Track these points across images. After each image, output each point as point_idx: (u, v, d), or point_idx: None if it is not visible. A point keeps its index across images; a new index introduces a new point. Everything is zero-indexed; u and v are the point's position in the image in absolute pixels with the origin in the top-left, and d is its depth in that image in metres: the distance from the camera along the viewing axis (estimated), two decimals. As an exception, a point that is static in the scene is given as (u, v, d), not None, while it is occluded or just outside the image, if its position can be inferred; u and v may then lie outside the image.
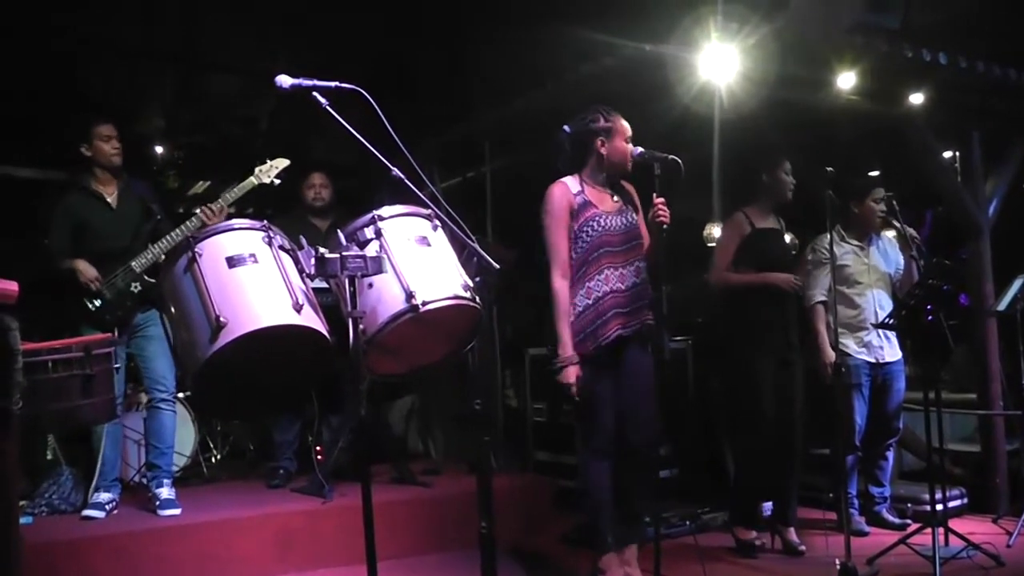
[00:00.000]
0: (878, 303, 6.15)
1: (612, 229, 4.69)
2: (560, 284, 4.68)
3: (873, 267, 6.22)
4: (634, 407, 4.74)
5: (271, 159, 5.68)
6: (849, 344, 6.15)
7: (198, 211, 5.45)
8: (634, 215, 4.81)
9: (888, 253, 6.31)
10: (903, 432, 6.46)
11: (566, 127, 4.87)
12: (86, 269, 5.46)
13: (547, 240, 4.73)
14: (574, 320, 4.64)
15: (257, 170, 5.67)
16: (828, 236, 5.39)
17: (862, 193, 6.20)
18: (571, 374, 4.58)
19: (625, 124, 4.79)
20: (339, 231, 3.53)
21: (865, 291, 6.18)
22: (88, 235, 5.59)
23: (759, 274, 5.75)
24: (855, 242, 6.25)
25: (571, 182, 4.78)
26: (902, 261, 6.27)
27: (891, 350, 6.23)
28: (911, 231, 5.99)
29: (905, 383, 6.33)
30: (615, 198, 4.81)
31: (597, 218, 4.67)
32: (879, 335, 6.13)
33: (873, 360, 6.14)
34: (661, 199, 4.54)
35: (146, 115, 8.70)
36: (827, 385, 5.82)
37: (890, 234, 6.31)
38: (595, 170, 4.81)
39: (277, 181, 5.79)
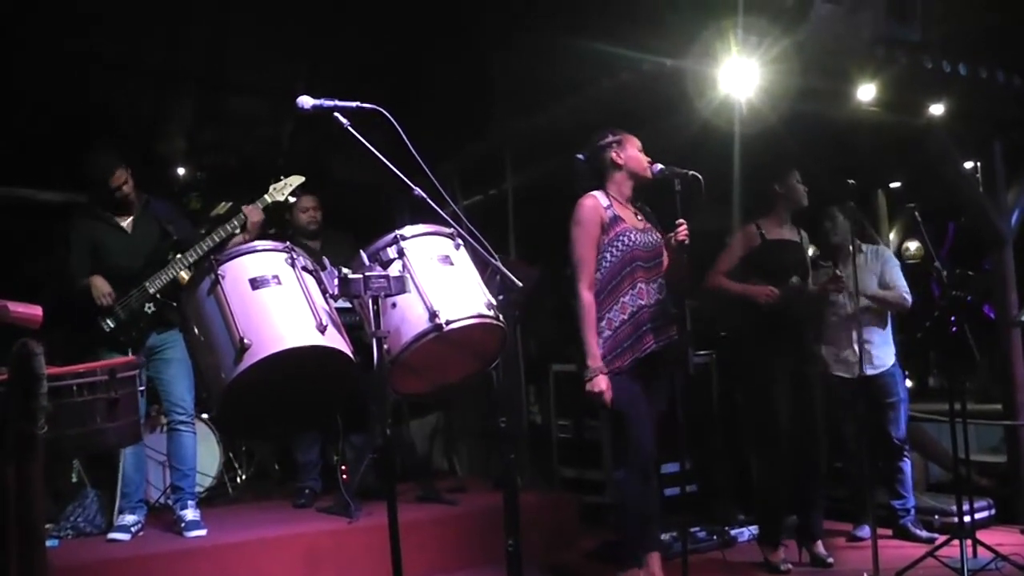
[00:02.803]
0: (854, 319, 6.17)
1: (641, 245, 4.70)
2: (587, 296, 4.69)
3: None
4: (656, 419, 4.75)
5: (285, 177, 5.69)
6: (828, 358, 6.28)
7: (232, 231, 5.47)
8: (657, 235, 4.81)
9: (874, 268, 6.32)
10: (927, 443, 6.42)
11: (579, 155, 4.95)
12: (100, 284, 5.44)
13: (575, 251, 4.75)
14: (611, 335, 4.64)
15: (271, 188, 5.66)
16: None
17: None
18: (602, 382, 4.56)
19: (633, 137, 4.85)
20: (362, 251, 3.53)
21: (839, 308, 6.19)
22: (102, 257, 5.58)
23: (741, 285, 5.76)
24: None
25: (601, 196, 4.81)
26: (891, 275, 6.25)
27: (873, 363, 6.23)
28: (863, 246, 6.00)
29: (905, 393, 6.34)
30: (639, 216, 4.83)
31: (628, 233, 4.69)
32: (856, 350, 6.12)
33: (850, 376, 6.14)
34: (682, 221, 4.55)
35: (168, 136, 8.73)
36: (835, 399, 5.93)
37: (913, 245, 6.27)
38: (618, 184, 4.85)
39: (292, 199, 5.79)
